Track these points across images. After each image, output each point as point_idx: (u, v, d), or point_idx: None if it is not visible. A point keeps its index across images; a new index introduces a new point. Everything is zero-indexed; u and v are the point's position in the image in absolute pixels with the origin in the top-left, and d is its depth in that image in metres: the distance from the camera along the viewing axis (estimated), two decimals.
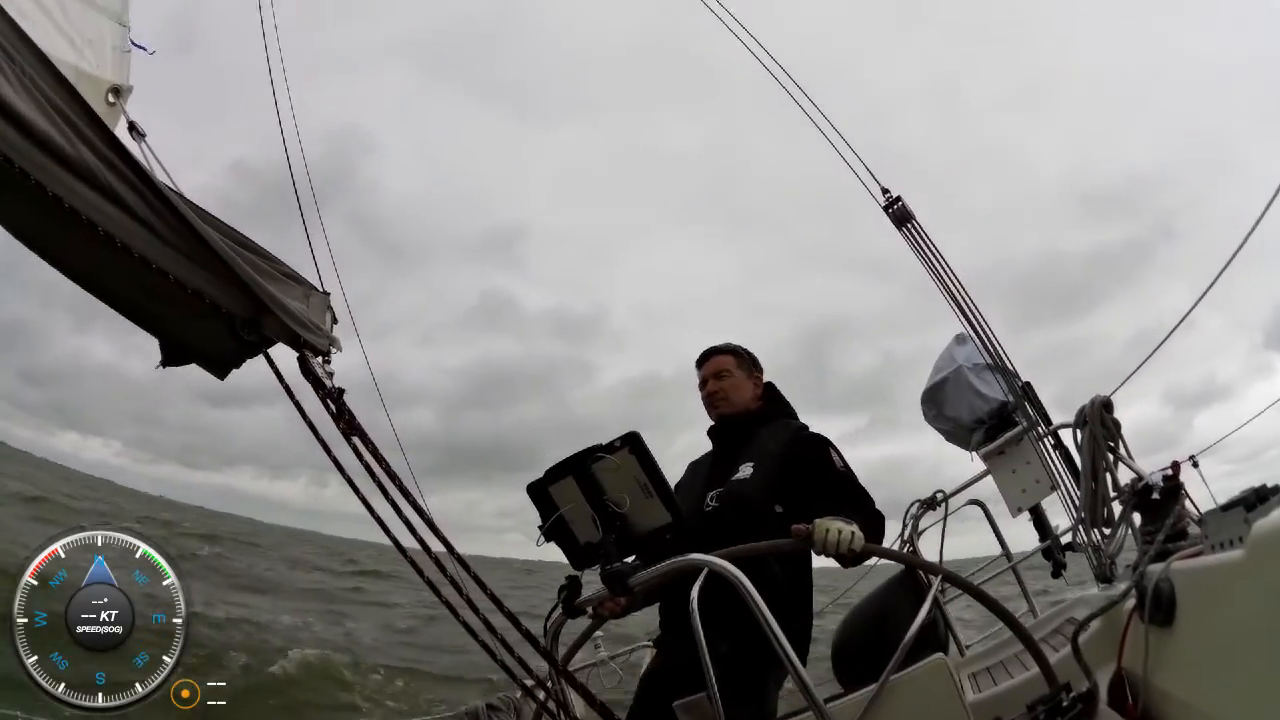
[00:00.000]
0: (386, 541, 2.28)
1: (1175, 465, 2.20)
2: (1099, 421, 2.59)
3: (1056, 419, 4.17)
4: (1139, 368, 3.06)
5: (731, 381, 3.13)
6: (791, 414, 3.19)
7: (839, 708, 2.10)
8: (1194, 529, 2.03)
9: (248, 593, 21.18)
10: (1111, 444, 2.59)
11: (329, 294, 2.39)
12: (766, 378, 3.25)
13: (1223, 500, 1.60)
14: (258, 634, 15.06)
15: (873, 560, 2.62)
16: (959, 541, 4.72)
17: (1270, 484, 1.46)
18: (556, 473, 2.29)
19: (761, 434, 3.02)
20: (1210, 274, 2.59)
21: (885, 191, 4.24)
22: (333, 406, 2.12)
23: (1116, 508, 2.54)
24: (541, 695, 2.47)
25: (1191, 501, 2.17)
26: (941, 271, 4.11)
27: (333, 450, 2.20)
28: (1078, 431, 2.73)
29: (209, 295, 1.90)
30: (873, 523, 2.63)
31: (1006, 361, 4.20)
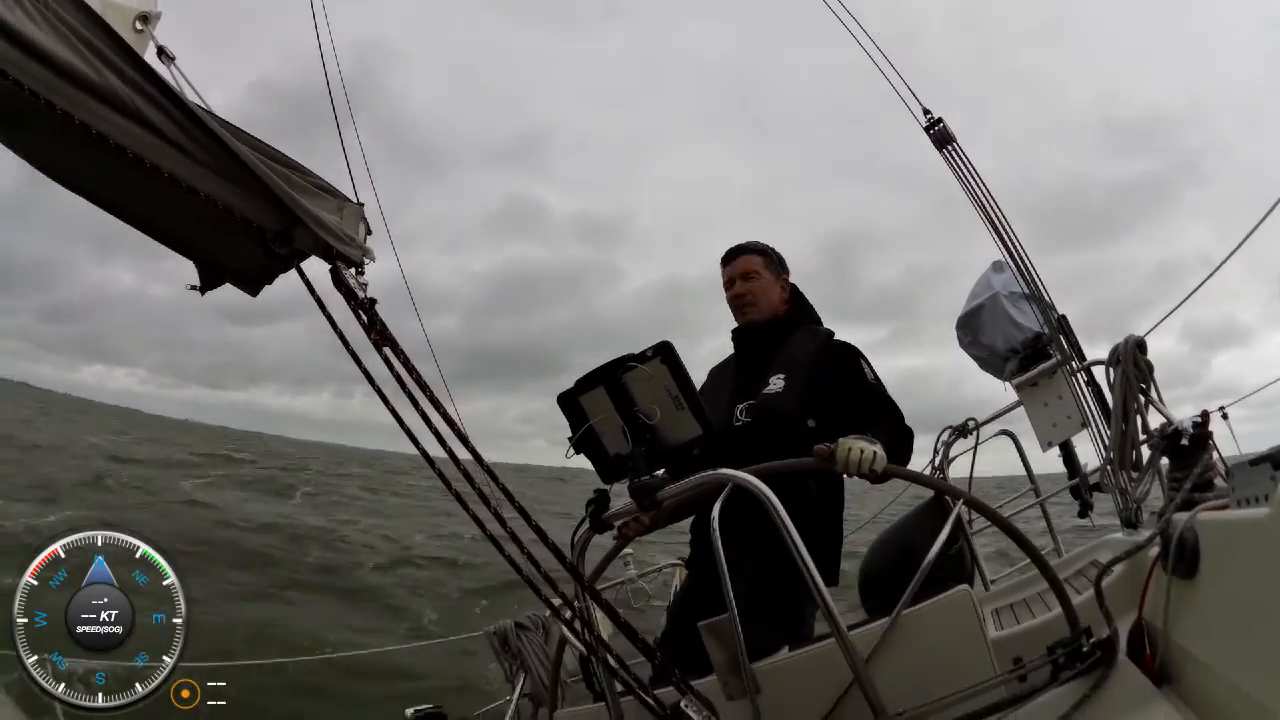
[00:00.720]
0: (416, 453, 2.24)
1: (1205, 414, 2.16)
2: (1132, 361, 2.55)
3: (1085, 347, 4.11)
4: (1173, 311, 3.00)
5: (760, 283, 3.02)
6: (816, 320, 3.09)
7: (863, 634, 2.05)
8: (1220, 482, 2.01)
9: (374, 517, 22.99)
10: (1144, 385, 2.55)
11: (363, 205, 2.35)
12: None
13: (1248, 452, 1.57)
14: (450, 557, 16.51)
15: None
16: (984, 459, 4.68)
17: None
18: (587, 383, 2.25)
19: (790, 342, 2.93)
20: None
21: (927, 112, 4.09)
22: (365, 318, 2.11)
23: (1145, 451, 2.52)
24: (567, 614, 2.45)
25: (1218, 452, 2.14)
26: (982, 197, 4.00)
27: (362, 361, 2.18)
28: (1111, 370, 2.69)
29: (239, 209, 1.90)
30: (901, 437, 2.60)
31: (1043, 292, 4.12)
